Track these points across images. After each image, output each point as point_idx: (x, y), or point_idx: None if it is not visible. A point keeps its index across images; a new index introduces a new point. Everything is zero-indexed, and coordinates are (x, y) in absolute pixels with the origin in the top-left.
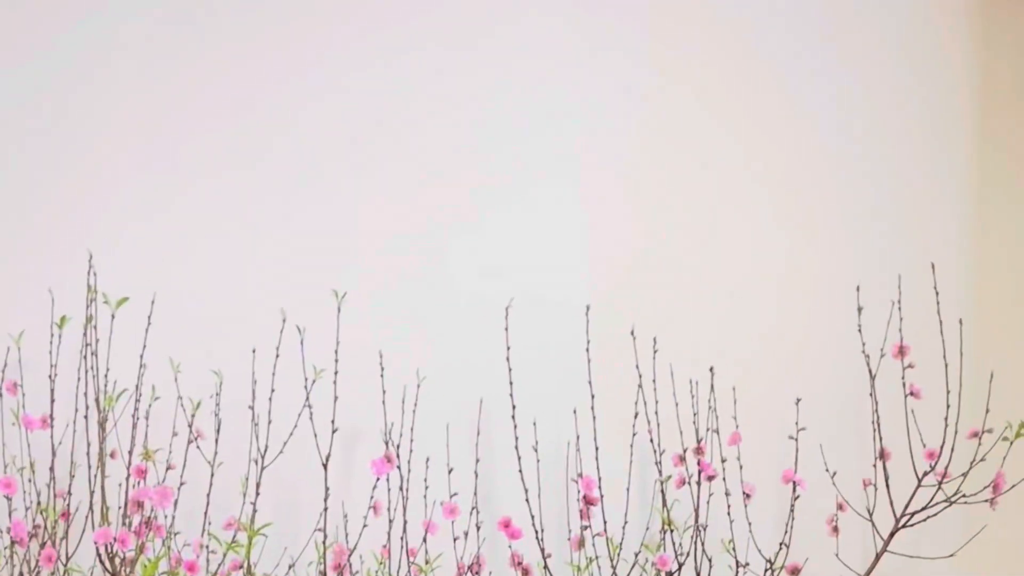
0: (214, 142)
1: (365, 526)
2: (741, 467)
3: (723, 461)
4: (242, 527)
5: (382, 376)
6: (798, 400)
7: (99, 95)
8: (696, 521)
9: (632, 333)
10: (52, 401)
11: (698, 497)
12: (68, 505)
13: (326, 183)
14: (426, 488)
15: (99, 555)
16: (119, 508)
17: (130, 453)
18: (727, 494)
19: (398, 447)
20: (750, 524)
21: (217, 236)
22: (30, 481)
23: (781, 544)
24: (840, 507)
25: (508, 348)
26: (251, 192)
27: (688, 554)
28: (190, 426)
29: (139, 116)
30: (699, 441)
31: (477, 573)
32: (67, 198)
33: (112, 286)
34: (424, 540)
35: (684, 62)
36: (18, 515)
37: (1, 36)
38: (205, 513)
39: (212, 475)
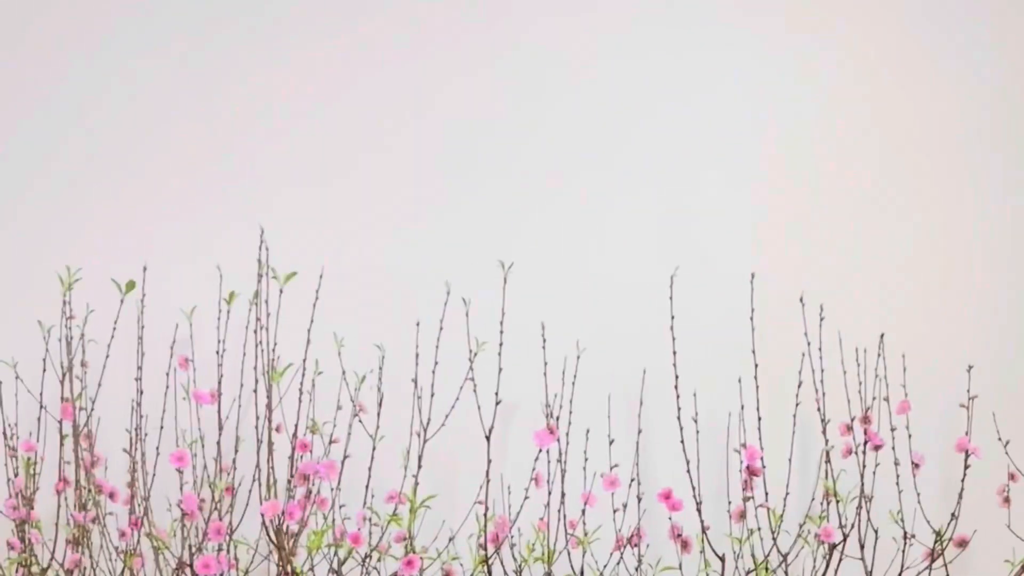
0: (380, 117)
1: (527, 498)
2: (910, 436)
3: (892, 430)
4: (405, 499)
5: (544, 347)
6: (970, 367)
7: (271, 72)
8: (862, 492)
9: (801, 300)
10: (220, 377)
11: (864, 467)
12: (232, 479)
13: (489, 157)
14: (585, 460)
15: (265, 527)
16: (282, 481)
17: (296, 427)
18: (896, 464)
19: (557, 419)
20: (919, 495)
21: (382, 210)
22: (195, 456)
23: (952, 515)
24: (1012, 477)
25: (672, 317)
26: (416, 166)
27: (853, 525)
28: (353, 400)
29: (308, 93)
30: (866, 410)
31: (636, 545)
32: (235, 176)
33: (278, 262)
34: (583, 512)
35: (845, 30)
36: (187, 488)
37: (184, 26)
38: (367, 486)
39: (374, 448)
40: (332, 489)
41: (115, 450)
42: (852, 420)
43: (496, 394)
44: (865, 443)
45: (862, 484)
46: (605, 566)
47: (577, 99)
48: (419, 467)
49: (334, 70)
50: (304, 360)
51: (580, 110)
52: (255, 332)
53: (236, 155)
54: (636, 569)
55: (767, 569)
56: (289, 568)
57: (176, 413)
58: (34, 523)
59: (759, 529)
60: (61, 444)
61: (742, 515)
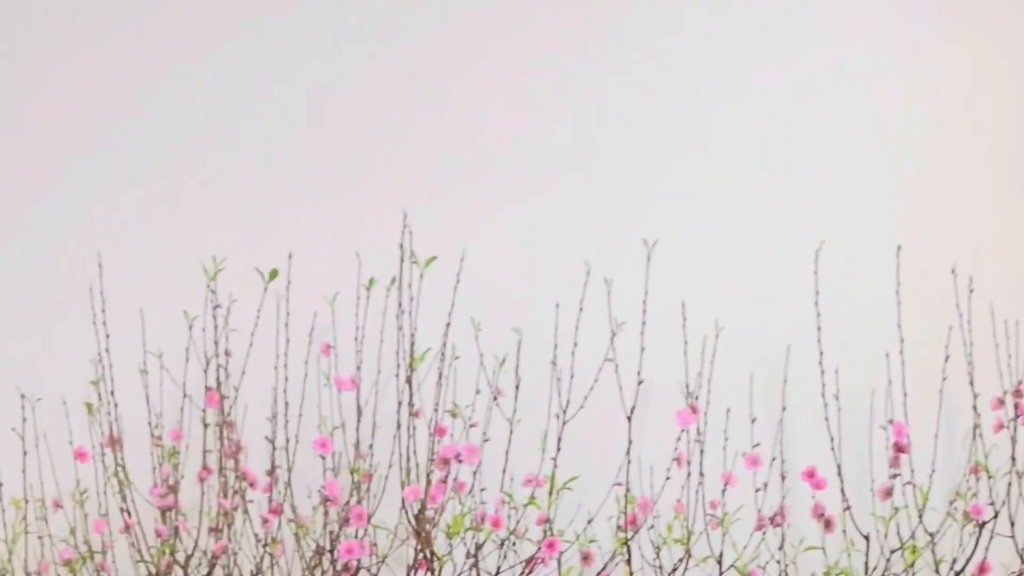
0: (520, 102)
1: (668, 478)
2: None
3: None
4: (544, 481)
5: (684, 327)
6: None
7: (413, 59)
8: (1013, 466)
9: (953, 272)
10: (359, 363)
11: (1016, 442)
12: (370, 464)
13: (630, 136)
14: (726, 439)
15: (404, 512)
16: (421, 467)
17: (435, 411)
18: None
19: (696, 398)
20: None
21: (522, 191)
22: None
23: None
24: None
25: (817, 292)
26: (556, 146)
27: (1004, 502)
28: (490, 384)
29: (449, 79)
30: (1019, 383)
31: (779, 525)
32: (375, 162)
33: (416, 246)
34: (723, 492)
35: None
36: (328, 474)
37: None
38: (503, 470)
39: (511, 431)
40: (473, 473)
41: (255, 438)
42: (1004, 394)
43: (638, 374)
44: (1017, 417)
45: (1013, 459)
46: (745, 547)
47: (720, 79)
48: (558, 449)
49: (478, 58)
50: (444, 345)
51: (723, 89)
52: (396, 317)
53: (376, 141)
54: (779, 548)
55: (914, 549)
56: (428, 552)
57: (319, 400)
58: (179, 511)
59: (905, 507)
60: (204, 433)
61: (888, 493)
